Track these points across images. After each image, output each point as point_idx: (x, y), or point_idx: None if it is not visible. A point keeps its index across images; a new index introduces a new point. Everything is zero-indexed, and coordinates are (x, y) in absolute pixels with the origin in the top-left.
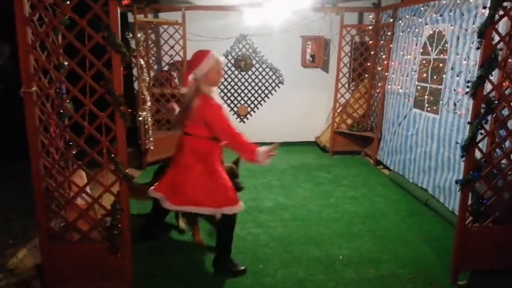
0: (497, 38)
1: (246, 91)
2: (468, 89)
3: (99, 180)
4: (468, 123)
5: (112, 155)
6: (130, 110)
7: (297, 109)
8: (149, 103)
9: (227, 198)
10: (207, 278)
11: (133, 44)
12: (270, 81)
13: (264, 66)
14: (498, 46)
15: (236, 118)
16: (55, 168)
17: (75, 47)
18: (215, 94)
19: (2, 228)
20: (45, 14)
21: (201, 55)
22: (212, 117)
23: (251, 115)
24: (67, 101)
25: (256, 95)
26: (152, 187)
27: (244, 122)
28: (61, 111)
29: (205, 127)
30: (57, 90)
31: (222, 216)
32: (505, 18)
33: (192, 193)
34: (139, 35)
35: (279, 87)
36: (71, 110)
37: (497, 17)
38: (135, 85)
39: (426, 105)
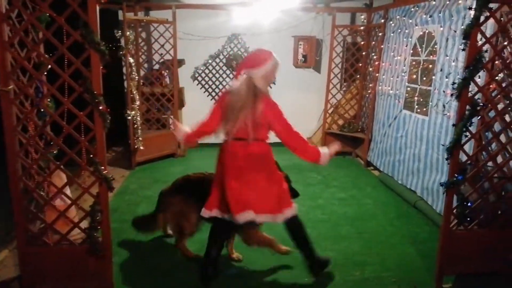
0: (483, 40)
1: None
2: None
3: (77, 181)
4: (453, 125)
5: (91, 156)
6: (109, 110)
7: (288, 109)
8: (138, 102)
9: (287, 201)
10: (192, 282)
11: (123, 42)
12: None
13: None
14: (484, 48)
15: None
16: (33, 169)
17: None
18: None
19: None
20: (22, 11)
21: (266, 55)
22: (277, 117)
23: None
24: (48, 99)
25: None
26: (214, 212)
27: None
28: (41, 110)
29: (266, 130)
30: (37, 89)
31: (288, 223)
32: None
33: (259, 200)
34: (128, 33)
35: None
36: (50, 109)
37: (483, 18)
38: (126, 84)
39: (416, 106)
